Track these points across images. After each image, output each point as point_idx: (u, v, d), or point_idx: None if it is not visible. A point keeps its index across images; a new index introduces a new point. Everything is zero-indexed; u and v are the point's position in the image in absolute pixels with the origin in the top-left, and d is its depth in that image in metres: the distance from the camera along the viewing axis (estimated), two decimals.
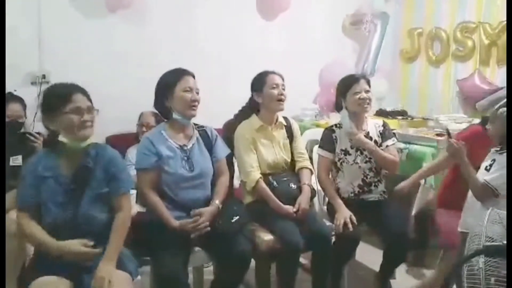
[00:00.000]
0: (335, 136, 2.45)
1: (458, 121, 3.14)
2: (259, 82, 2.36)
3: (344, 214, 2.28)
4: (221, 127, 2.58)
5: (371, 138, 2.45)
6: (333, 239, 2.30)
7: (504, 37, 3.66)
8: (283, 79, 2.38)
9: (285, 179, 2.34)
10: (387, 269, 2.42)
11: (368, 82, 2.46)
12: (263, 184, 2.27)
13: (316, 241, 2.20)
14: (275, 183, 2.30)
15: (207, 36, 3.59)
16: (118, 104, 3.03)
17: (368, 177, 2.44)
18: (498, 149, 2.07)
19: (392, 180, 2.76)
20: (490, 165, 2.03)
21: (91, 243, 1.65)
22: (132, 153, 2.73)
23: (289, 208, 2.23)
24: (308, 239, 2.15)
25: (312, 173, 2.47)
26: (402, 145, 2.88)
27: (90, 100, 1.74)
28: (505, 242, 1.56)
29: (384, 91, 4.08)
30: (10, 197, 2.30)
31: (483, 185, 2.00)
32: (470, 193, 2.12)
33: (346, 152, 2.44)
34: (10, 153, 2.44)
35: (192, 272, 2.32)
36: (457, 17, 4.04)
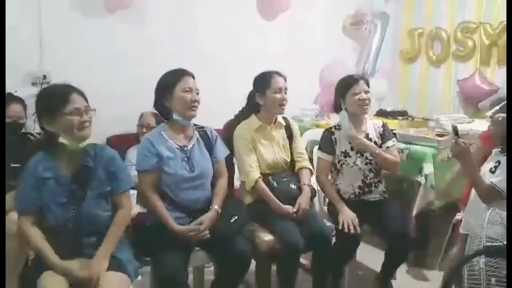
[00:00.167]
0: (335, 138, 2.45)
1: (459, 121, 3.14)
2: (263, 84, 2.34)
3: (348, 216, 2.27)
4: (221, 128, 2.58)
5: (370, 139, 2.45)
6: (334, 239, 2.30)
7: (504, 37, 3.66)
8: (285, 80, 2.37)
9: (285, 179, 2.34)
10: (389, 269, 2.42)
11: (367, 83, 2.46)
12: (262, 184, 2.27)
13: (316, 241, 2.20)
14: (275, 183, 2.30)
15: (207, 36, 3.58)
16: (119, 104, 3.03)
17: (368, 178, 2.44)
18: (500, 149, 2.07)
19: (392, 180, 2.76)
20: (495, 167, 2.00)
21: (90, 262, 1.65)
22: (133, 153, 2.73)
23: (289, 208, 2.23)
24: (308, 239, 2.16)
25: (312, 173, 2.47)
26: (402, 146, 2.88)
27: (86, 100, 1.75)
28: (505, 242, 1.55)
29: (385, 91, 4.08)
30: (10, 197, 2.30)
31: (489, 187, 1.95)
32: (472, 194, 2.11)
33: (346, 154, 2.43)
34: (11, 154, 2.44)
35: (193, 272, 2.32)
36: (457, 17, 4.05)
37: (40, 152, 1.75)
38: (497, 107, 2.10)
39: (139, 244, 1.94)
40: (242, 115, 2.47)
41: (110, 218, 1.79)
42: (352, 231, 2.22)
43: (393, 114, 3.64)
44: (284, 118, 2.49)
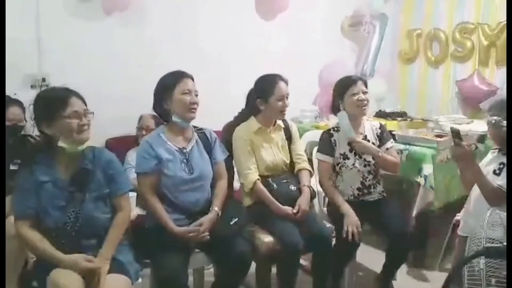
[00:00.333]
0: (334, 140, 2.45)
1: (458, 122, 3.14)
2: (266, 90, 2.31)
3: (353, 223, 2.25)
4: (220, 129, 2.58)
5: (368, 141, 2.45)
6: (334, 240, 2.30)
7: (503, 38, 3.67)
8: (287, 84, 2.35)
9: (284, 180, 2.34)
10: (389, 269, 2.42)
11: (366, 84, 2.46)
12: (260, 186, 2.27)
13: (316, 243, 2.20)
14: (274, 184, 2.30)
15: (206, 37, 3.58)
16: (118, 106, 3.03)
17: (367, 180, 2.44)
18: (498, 150, 2.07)
19: (391, 181, 2.76)
20: (500, 169, 1.98)
21: (94, 258, 1.65)
22: (132, 156, 2.73)
23: (288, 209, 2.23)
24: (308, 241, 2.16)
25: (311, 174, 2.47)
26: (401, 146, 2.88)
27: (85, 103, 1.75)
28: (505, 243, 1.56)
29: (383, 92, 4.09)
30: (10, 200, 2.30)
31: (497, 190, 1.92)
32: (473, 196, 2.10)
33: (345, 157, 2.43)
34: (11, 157, 2.44)
35: (193, 274, 2.32)
36: (456, 18, 4.05)
37: (36, 156, 1.73)
38: (491, 111, 2.08)
39: (138, 246, 1.93)
40: (241, 117, 2.48)
41: (109, 220, 1.79)
42: (356, 239, 2.22)
43: (392, 115, 3.64)
44: (283, 120, 2.48)
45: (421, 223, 2.82)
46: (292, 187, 2.33)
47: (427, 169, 2.73)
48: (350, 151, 2.43)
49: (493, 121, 1.95)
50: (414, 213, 2.74)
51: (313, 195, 2.39)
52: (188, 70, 2.10)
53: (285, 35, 3.96)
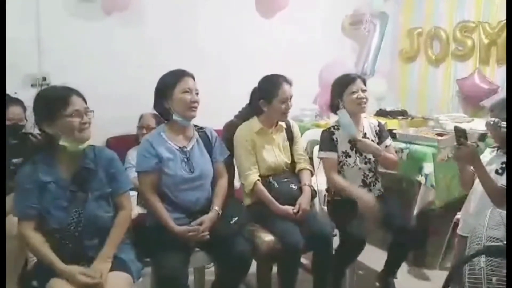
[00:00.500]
0: (335, 138, 2.44)
1: (458, 120, 3.14)
2: (270, 92, 2.30)
3: (370, 204, 2.26)
4: (221, 128, 2.58)
5: (368, 139, 2.45)
6: (333, 239, 2.30)
7: (503, 36, 3.67)
8: (291, 85, 2.34)
9: (285, 179, 2.34)
10: (392, 266, 2.43)
11: (364, 81, 2.45)
12: (261, 186, 2.27)
13: (316, 241, 2.20)
14: (275, 183, 2.30)
15: (206, 36, 3.58)
16: (118, 105, 3.03)
17: (368, 177, 2.45)
18: (497, 150, 2.06)
19: (392, 180, 2.76)
20: (502, 168, 1.98)
21: (93, 273, 1.64)
22: (133, 155, 2.73)
23: (288, 209, 2.23)
24: (308, 239, 2.16)
25: (312, 174, 2.46)
26: (402, 145, 2.88)
27: (85, 102, 1.75)
28: (506, 242, 1.55)
29: (384, 91, 4.08)
30: (10, 199, 2.30)
31: (501, 189, 1.91)
32: (473, 196, 2.10)
33: (346, 154, 2.43)
34: (11, 156, 2.44)
35: (194, 273, 2.32)
36: (456, 17, 4.05)
37: (36, 156, 1.73)
38: (493, 110, 2.07)
39: (139, 245, 1.93)
40: (243, 116, 2.47)
41: (111, 219, 1.80)
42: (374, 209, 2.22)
43: (393, 114, 3.64)
44: (285, 120, 2.48)
45: (422, 222, 2.81)
46: (293, 186, 2.33)
47: (428, 167, 2.73)
48: (351, 148, 2.42)
49: (491, 122, 1.94)
50: (415, 212, 2.74)
51: (313, 194, 2.38)
52: (188, 69, 2.10)
53: (285, 34, 3.96)
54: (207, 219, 2.01)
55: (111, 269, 1.70)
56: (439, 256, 2.85)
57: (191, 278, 2.32)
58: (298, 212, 2.23)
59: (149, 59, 3.26)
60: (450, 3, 4.09)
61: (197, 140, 2.15)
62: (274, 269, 2.26)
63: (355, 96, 2.37)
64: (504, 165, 1.99)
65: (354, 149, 2.43)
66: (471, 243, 1.67)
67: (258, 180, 2.28)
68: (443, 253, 2.83)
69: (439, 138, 2.85)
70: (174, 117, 2.07)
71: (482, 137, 2.77)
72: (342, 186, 2.37)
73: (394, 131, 2.99)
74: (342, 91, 2.41)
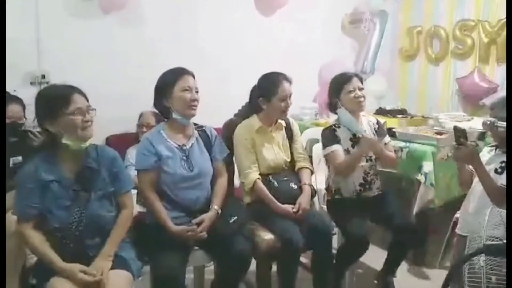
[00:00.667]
0: (338, 135, 2.42)
1: (458, 119, 3.14)
2: (270, 90, 2.30)
3: (371, 143, 2.31)
4: (220, 127, 2.58)
5: None
6: (334, 238, 2.31)
7: (503, 35, 3.66)
8: (291, 83, 2.33)
9: (285, 178, 2.34)
10: (391, 264, 2.42)
11: (361, 79, 2.44)
12: (260, 185, 2.27)
13: (316, 240, 2.20)
14: (275, 182, 2.30)
15: (206, 34, 3.58)
16: (117, 104, 3.03)
17: (369, 175, 2.45)
18: (496, 149, 2.06)
19: (391, 178, 2.77)
20: (502, 168, 1.97)
21: (93, 271, 1.64)
22: (132, 153, 2.73)
23: (288, 207, 2.23)
24: (308, 238, 2.16)
25: (312, 172, 2.46)
26: (402, 144, 2.88)
27: (87, 100, 1.74)
28: (505, 241, 1.55)
29: (384, 89, 4.08)
30: (10, 197, 2.30)
31: (500, 189, 1.90)
32: (472, 195, 2.10)
33: (348, 152, 2.42)
34: (11, 154, 2.43)
35: (193, 272, 2.32)
36: (456, 15, 4.04)
37: (38, 155, 1.72)
38: (494, 108, 2.07)
39: (138, 244, 1.93)
40: (242, 114, 2.47)
41: (113, 219, 1.80)
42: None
43: (392, 112, 3.63)
44: (285, 119, 2.48)
45: (422, 221, 2.82)
46: (293, 185, 2.33)
47: (428, 166, 2.73)
48: (352, 146, 2.42)
49: (488, 122, 1.94)
50: (415, 211, 2.74)
51: (313, 193, 2.38)
52: (188, 67, 2.10)
53: (285, 32, 3.96)
54: (207, 218, 2.01)
55: (112, 267, 1.70)
56: (438, 255, 2.85)
57: (190, 276, 2.33)
58: (298, 211, 2.23)
59: (149, 58, 3.26)
60: (450, 2, 4.08)
61: (196, 139, 2.14)
62: (274, 267, 2.26)
63: (352, 95, 2.37)
64: (503, 164, 1.98)
65: (356, 146, 2.42)
66: (470, 242, 1.67)
67: (258, 178, 2.28)
68: (443, 252, 2.83)
69: (439, 137, 2.85)
70: (174, 115, 2.06)
71: (482, 135, 2.77)
72: (350, 158, 2.33)
73: (393, 130, 2.99)
74: (339, 90, 2.41)
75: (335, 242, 2.43)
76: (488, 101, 3.48)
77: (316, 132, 3.15)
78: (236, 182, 2.51)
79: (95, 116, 1.75)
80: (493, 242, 1.58)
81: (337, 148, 2.37)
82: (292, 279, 2.21)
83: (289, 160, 2.43)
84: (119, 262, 1.74)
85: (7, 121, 2.51)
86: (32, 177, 1.67)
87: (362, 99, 2.38)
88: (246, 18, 3.76)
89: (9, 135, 2.49)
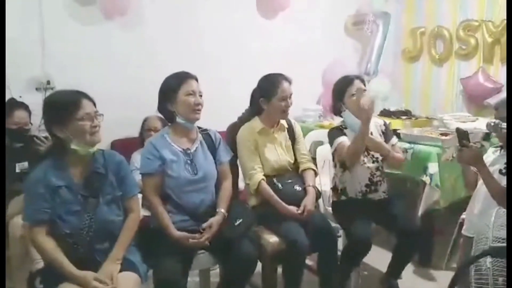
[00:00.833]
0: (345, 134, 2.42)
1: (462, 120, 3.13)
2: (270, 90, 2.31)
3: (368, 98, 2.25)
4: (223, 130, 2.58)
5: None
6: (342, 240, 2.30)
7: None
8: (291, 83, 2.35)
9: (289, 181, 2.34)
10: (396, 268, 2.42)
11: (363, 81, 2.45)
12: (265, 186, 2.27)
13: (321, 242, 2.20)
14: (279, 185, 2.30)
15: (208, 37, 3.59)
16: (121, 108, 3.03)
17: (375, 176, 2.44)
18: (500, 148, 2.05)
19: (396, 180, 2.76)
20: (506, 168, 1.97)
21: (106, 280, 1.64)
22: (136, 158, 2.74)
23: (293, 209, 2.23)
24: (313, 240, 2.15)
25: (316, 174, 2.46)
26: (406, 145, 2.87)
27: (95, 105, 1.76)
28: None
29: (387, 91, 4.07)
30: (16, 202, 2.32)
31: (505, 190, 1.88)
32: (477, 196, 2.09)
33: None
34: (17, 160, 2.45)
35: (199, 275, 2.33)
36: (459, 16, 4.03)
37: (46, 160, 1.73)
38: (498, 108, 2.06)
39: (143, 247, 1.93)
40: (245, 117, 2.47)
41: (122, 222, 1.81)
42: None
43: (397, 114, 3.63)
44: (286, 120, 2.48)
45: (427, 223, 2.81)
46: (297, 187, 2.33)
47: (433, 167, 2.72)
48: None
49: (492, 123, 1.93)
50: (420, 212, 2.73)
51: (318, 195, 2.38)
52: (190, 71, 2.10)
53: (287, 35, 3.96)
54: (215, 222, 2.01)
55: (120, 270, 1.71)
56: (445, 257, 2.84)
57: (196, 280, 2.33)
58: (303, 213, 2.23)
59: (152, 62, 3.27)
60: (453, 2, 4.08)
61: (200, 142, 2.15)
62: (279, 270, 2.26)
63: (354, 98, 2.37)
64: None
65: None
66: (477, 243, 1.66)
67: (263, 179, 2.28)
68: (449, 253, 2.82)
69: (444, 138, 2.84)
70: (178, 119, 2.07)
71: (487, 136, 2.76)
72: (354, 141, 2.30)
73: (398, 131, 2.99)
74: (342, 94, 2.41)
75: (340, 244, 2.43)
76: (492, 101, 3.47)
77: (320, 135, 3.15)
78: (241, 185, 2.51)
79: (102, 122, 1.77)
80: (499, 244, 1.57)
81: (344, 140, 2.37)
82: (298, 282, 2.21)
83: (292, 161, 2.43)
84: (127, 265, 1.75)
85: (13, 127, 2.53)
86: (41, 182, 1.67)
87: None
88: (248, 20, 3.77)
89: (15, 141, 2.52)
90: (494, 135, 2.16)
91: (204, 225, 1.99)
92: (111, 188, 1.78)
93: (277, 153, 2.38)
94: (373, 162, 2.43)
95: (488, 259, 1.53)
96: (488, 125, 1.98)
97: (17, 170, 2.44)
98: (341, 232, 2.45)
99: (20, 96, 2.79)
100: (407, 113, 3.69)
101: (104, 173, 1.77)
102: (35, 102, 2.65)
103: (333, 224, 2.36)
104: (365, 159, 2.42)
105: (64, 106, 1.69)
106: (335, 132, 2.44)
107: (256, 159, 2.32)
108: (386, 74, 4.22)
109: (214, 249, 2.03)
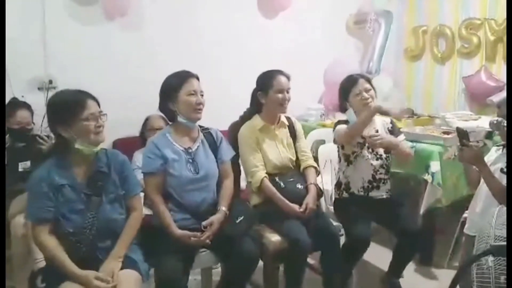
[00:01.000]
0: None
1: (464, 118, 3.12)
2: (266, 83, 2.34)
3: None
4: (224, 129, 2.58)
5: None
6: (342, 239, 2.30)
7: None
8: (289, 79, 2.37)
9: (291, 179, 2.34)
10: (397, 267, 2.42)
11: (368, 80, 2.46)
12: (268, 183, 2.27)
13: (324, 241, 2.20)
14: (281, 183, 2.30)
15: (208, 37, 3.59)
16: (123, 108, 3.03)
17: (378, 173, 2.45)
18: (502, 147, 2.05)
19: (398, 179, 2.75)
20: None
21: (108, 278, 1.65)
22: (138, 157, 2.74)
23: (296, 207, 2.23)
24: (316, 238, 2.16)
25: (317, 172, 2.46)
26: (409, 144, 2.86)
27: (99, 105, 1.77)
28: None
29: (389, 90, 4.07)
30: (19, 201, 2.33)
31: (505, 189, 1.88)
32: (479, 195, 2.08)
33: (361, 146, 2.43)
34: (19, 159, 2.46)
35: (200, 274, 2.33)
36: (461, 14, 4.02)
37: (50, 159, 1.73)
38: (501, 106, 2.06)
39: (144, 245, 1.94)
40: (246, 116, 2.48)
41: (124, 221, 1.82)
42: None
43: None
44: (287, 118, 2.49)
45: (429, 221, 2.80)
46: (299, 186, 2.33)
47: (435, 166, 2.71)
48: (361, 148, 2.43)
49: (495, 122, 1.94)
50: (422, 211, 2.73)
51: (319, 193, 2.38)
52: (191, 70, 2.10)
53: (288, 34, 3.96)
54: (216, 220, 2.01)
55: (121, 268, 1.71)
56: (446, 255, 2.83)
57: (198, 278, 2.34)
58: (305, 211, 2.23)
59: (152, 62, 3.27)
60: (455, 1, 4.06)
61: (202, 141, 2.15)
62: (281, 268, 2.26)
63: (359, 98, 2.39)
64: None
65: (366, 144, 2.42)
66: (478, 242, 1.66)
67: (266, 176, 2.28)
68: (451, 252, 2.81)
69: (446, 136, 2.83)
70: (179, 118, 2.08)
71: (490, 134, 2.74)
72: (357, 121, 2.33)
73: (400, 130, 2.98)
74: (347, 93, 2.44)
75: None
76: (495, 99, 3.46)
77: (322, 133, 3.15)
78: (242, 184, 2.51)
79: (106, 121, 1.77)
80: (501, 242, 1.56)
81: (344, 125, 2.41)
82: (300, 280, 2.21)
83: (294, 158, 2.43)
84: (128, 263, 1.75)
85: (16, 127, 2.54)
86: (45, 181, 1.67)
87: (369, 100, 2.39)
88: (248, 20, 3.76)
89: (18, 140, 2.53)
90: (497, 133, 2.15)
91: (205, 223, 1.99)
92: (114, 187, 1.79)
93: (279, 151, 2.38)
94: (377, 159, 2.44)
95: (490, 258, 1.53)
96: (490, 123, 1.98)
97: (20, 169, 2.45)
98: (343, 231, 2.45)
99: (23, 96, 2.80)
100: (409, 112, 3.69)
101: (107, 172, 1.78)
102: (37, 101, 2.67)
103: (335, 223, 2.36)
104: (369, 155, 2.43)
105: (69, 106, 1.69)
106: (340, 122, 2.48)
107: (258, 156, 2.32)
108: (388, 73, 4.22)
109: (216, 247, 2.04)
